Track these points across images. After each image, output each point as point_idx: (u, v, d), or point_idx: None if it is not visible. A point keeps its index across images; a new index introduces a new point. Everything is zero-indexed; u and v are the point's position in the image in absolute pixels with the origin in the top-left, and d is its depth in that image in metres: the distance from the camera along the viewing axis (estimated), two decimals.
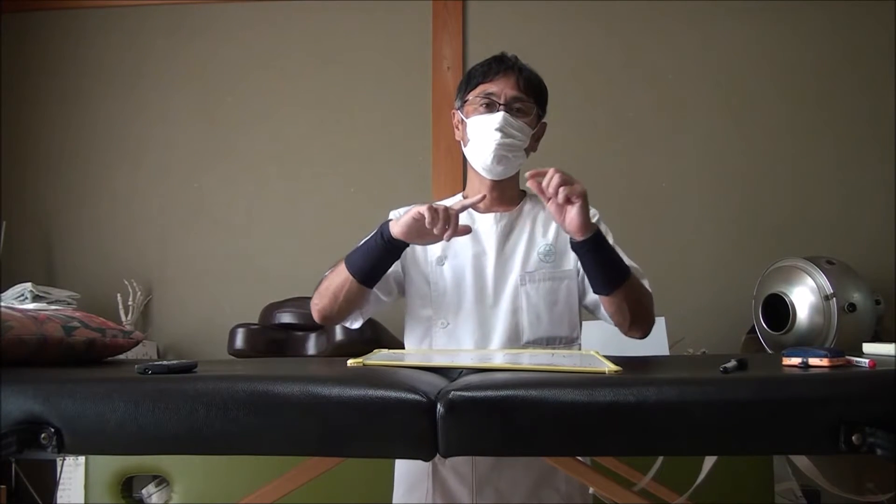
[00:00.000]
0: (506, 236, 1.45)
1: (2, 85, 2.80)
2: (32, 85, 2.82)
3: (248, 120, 2.77)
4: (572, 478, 1.37)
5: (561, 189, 1.22)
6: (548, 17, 2.71)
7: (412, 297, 1.47)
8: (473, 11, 2.73)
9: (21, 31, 2.83)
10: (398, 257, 1.35)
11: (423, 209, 1.24)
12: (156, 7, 2.83)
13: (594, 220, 1.45)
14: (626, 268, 1.33)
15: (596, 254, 1.29)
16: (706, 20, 2.68)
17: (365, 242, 1.34)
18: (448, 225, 1.25)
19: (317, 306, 1.40)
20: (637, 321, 1.37)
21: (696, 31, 2.69)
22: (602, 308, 1.40)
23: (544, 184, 1.24)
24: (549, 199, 1.25)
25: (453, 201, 1.53)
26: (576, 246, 1.29)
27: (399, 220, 1.28)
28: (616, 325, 1.40)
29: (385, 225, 1.30)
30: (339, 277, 1.34)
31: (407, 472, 1.43)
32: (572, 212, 1.24)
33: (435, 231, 1.25)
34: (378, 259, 1.32)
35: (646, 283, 1.40)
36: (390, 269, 1.38)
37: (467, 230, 1.31)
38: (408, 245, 1.32)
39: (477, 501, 1.36)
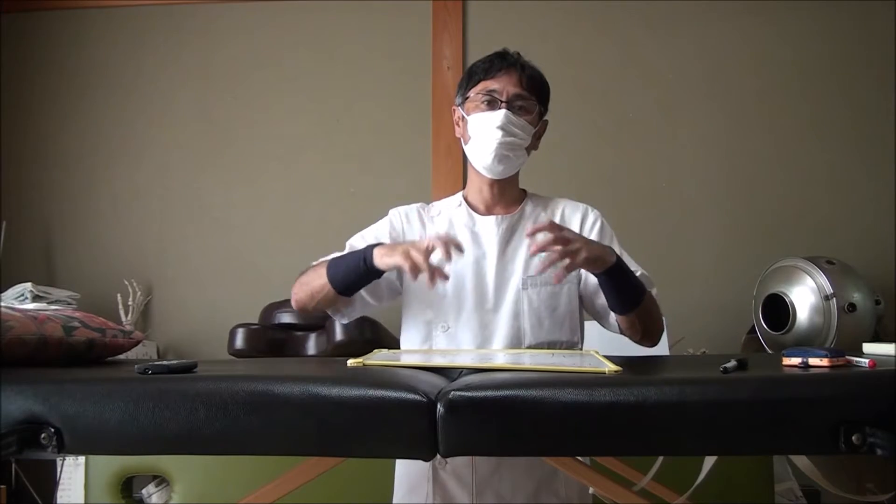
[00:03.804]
0: (507, 240, 1.44)
1: (2, 85, 2.80)
2: (32, 85, 2.82)
3: (248, 120, 2.77)
4: (572, 481, 1.36)
5: (566, 260, 1.21)
6: (547, 18, 2.71)
7: (412, 299, 1.45)
8: (473, 11, 2.73)
9: (21, 31, 2.83)
10: (379, 278, 1.33)
11: (406, 261, 1.19)
12: (156, 7, 2.83)
13: (596, 226, 1.46)
14: (642, 289, 1.32)
15: (611, 282, 1.29)
16: (705, 20, 2.68)
17: (348, 257, 1.33)
18: (430, 273, 1.20)
19: (295, 296, 1.40)
20: (648, 335, 1.39)
21: (696, 32, 2.69)
22: (611, 318, 1.41)
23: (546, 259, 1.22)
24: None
25: (453, 200, 1.53)
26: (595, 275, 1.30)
27: (385, 255, 1.24)
28: (627, 337, 1.41)
29: (371, 249, 1.28)
30: (319, 280, 1.34)
31: (407, 475, 1.43)
32: (578, 263, 1.22)
33: (415, 279, 1.22)
34: (357, 279, 1.31)
35: (654, 291, 1.40)
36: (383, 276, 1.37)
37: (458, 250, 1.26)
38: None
39: None
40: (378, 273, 1.29)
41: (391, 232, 1.48)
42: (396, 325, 1.54)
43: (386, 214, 1.53)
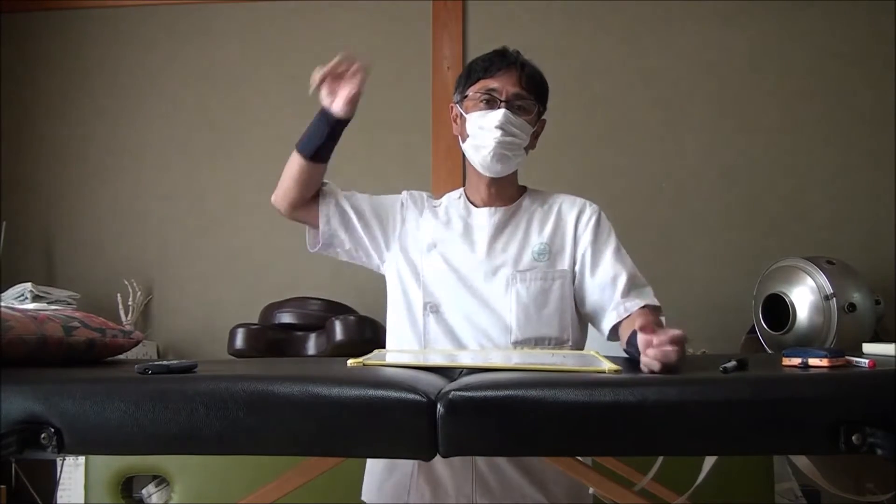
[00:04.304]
0: (499, 232, 1.45)
1: (2, 85, 2.80)
2: (33, 85, 2.82)
3: (248, 119, 2.77)
4: (562, 478, 1.35)
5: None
6: (548, 17, 2.71)
7: (400, 279, 1.45)
8: (473, 11, 2.73)
9: (21, 31, 2.83)
10: (340, 126, 1.42)
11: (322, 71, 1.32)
12: (156, 7, 2.83)
13: (592, 221, 1.45)
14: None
15: None
16: (706, 20, 2.68)
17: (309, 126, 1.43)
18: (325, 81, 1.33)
19: (275, 195, 1.48)
20: None
21: (696, 31, 2.69)
22: (603, 325, 1.40)
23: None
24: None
25: (455, 192, 1.55)
26: None
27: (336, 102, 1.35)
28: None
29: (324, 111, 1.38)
30: (290, 162, 1.45)
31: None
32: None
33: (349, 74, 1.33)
34: (319, 132, 1.43)
35: (648, 292, 1.39)
36: (362, 229, 1.48)
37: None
38: (349, 120, 1.40)
39: (464, 496, 1.34)
40: (335, 119, 1.38)
41: (396, 206, 1.52)
42: None
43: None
